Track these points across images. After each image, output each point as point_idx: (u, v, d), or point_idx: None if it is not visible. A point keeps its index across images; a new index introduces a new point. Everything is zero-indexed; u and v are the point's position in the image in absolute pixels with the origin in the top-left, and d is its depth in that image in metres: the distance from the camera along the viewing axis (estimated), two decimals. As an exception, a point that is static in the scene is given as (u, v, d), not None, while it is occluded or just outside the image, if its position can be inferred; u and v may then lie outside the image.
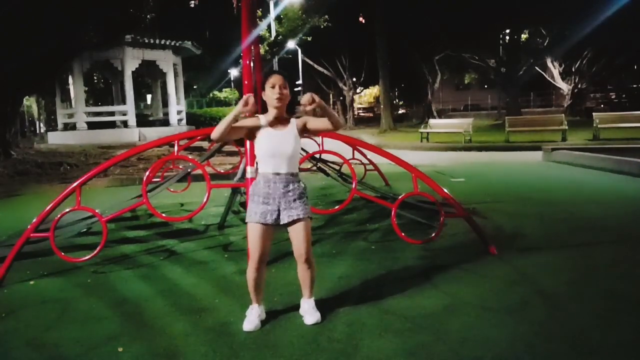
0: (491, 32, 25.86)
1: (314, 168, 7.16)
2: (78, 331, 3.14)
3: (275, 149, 2.94)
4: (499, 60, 27.00)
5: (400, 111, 41.63)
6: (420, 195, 4.72)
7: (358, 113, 43.41)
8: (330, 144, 5.81)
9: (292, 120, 3.03)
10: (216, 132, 2.85)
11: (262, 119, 3.01)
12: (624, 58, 26.16)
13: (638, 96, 30.40)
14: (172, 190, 7.23)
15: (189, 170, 5.93)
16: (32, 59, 13.25)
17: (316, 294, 3.32)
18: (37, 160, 13.72)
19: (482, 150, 15.10)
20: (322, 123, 2.97)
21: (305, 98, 2.82)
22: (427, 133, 18.04)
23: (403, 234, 4.40)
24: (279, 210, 2.99)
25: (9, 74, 13.15)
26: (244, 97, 2.86)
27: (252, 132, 3.00)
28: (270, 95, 2.94)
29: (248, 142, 4.14)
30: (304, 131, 3.04)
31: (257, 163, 3.11)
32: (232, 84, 43.85)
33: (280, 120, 3.00)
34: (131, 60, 19.76)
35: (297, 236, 3.02)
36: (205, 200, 4.48)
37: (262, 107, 3.06)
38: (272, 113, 3.00)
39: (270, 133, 2.96)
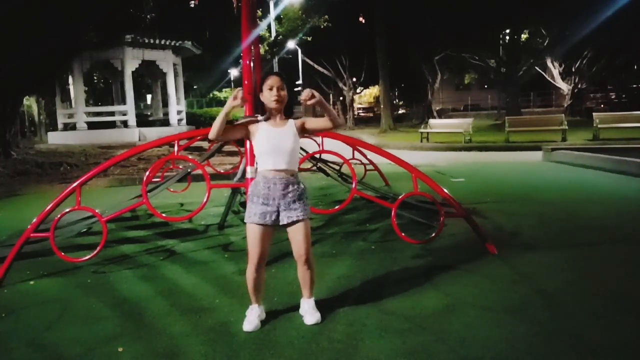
0: (491, 32, 25.86)
1: (314, 168, 7.16)
2: (78, 331, 3.14)
3: (274, 145, 2.94)
4: (499, 60, 27.00)
5: (400, 111, 41.61)
6: (420, 195, 4.72)
7: (358, 113, 43.38)
8: (330, 144, 5.81)
9: (291, 120, 3.04)
10: (212, 131, 2.88)
11: (261, 119, 3.03)
12: (624, 58, 26.15)
13: (638, 96, 30.41)
14: (172, 190, 7.23)
15: (189, 170, 5.93)
16: (32, 59, 13.24)
17: (316, 294, 3.32)
18: (37, 160, 13.72)
19: (482, 150, 15.10)
20: (321, 122, 2.99)
21: (305, 93, 2.83)
22: (427, 133, 18.04)
23: (403, 234, 4.40)
24: (278, 212, 2.99)
25: (9, 74, 13.15)
26: (233, 92, 2.86)
27: (251, 132, 3.01)
28: (268, 97, 2.94)
29: (248, 142, 4.14)
30: (303, 131, 3.04)
31: (257, 163, 3.12)
32: (232, 84, 43.86)
33: (279, 121, 3.01)
34: (131, 60, 19.75)
35: (297, 237, 3.02)
36: (205, 200, 4.49)
37: (261, 109, 3.06)
38: (271, 114, 3.01)
39: (269, 130, 2.97)
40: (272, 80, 2.93)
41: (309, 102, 2.85)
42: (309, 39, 27.03)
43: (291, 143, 2.96)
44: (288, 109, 3.05)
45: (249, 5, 4.64)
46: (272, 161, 2.95)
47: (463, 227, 4.88)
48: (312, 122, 3.03)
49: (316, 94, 2.83)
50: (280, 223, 3.00)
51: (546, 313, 3.16)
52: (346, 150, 6.29)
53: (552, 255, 4.35)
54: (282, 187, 2.97)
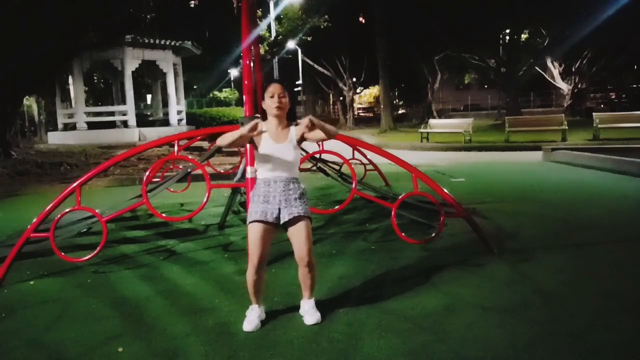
0: (491, 32, 25.86)
1: (314, 168, 7.16)
2: (78, 331, 3.14)
3: (275, 160, 2.99)
4: (499, 60, 27.00)
5: (400, 111, 41.62)
6: (420, 195, 4.72)
7: (358, 113, 43.38)
8: (330, 144, 5.79)
9: (292, 128, 3.05)
10: (222, 142, 2.92)
11: (263, 127, 3.03)
12: (624, 58, 26.17)
13: (638, 96, 30.43)
14: (172, 190, 7.23)
15: (189, 170, 5.93)
16: (32, 59, 13.24)
17: (316, 294, 3.32)
18: (37, 160, 13.71)
19: (482, 150, 15.10)
20: (319, 134, 3.01)
21: (303, 123, 2.88)
22: (427, 133, 18.04)
23: (403, 234, 4.39)
24: (279, 209, 3.00)
25: (9, 74, 13.15)
26: (253, 122, 2.85)
27: (253, 140, 3.03)
28: (270, 104, 2.98)
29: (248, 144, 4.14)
30: (303, 140, 3.08)
31: (256, 167, 3.14)
32: (232, 84, 43.84)
33: (280, 130, 3.03)
34: (131, 60, 19.73)
35: (298, 237, 3.02)
36: (205, 200, 4.48)
37: (262, 116, 3.08)
38: (272, 121, 3.03)
39: (270, 145, 3.00)
40: (273, 88, 2.97)
41: (308, 134, 2.95)
42: (309, 39, 27.03)
43: (292, 157, 3.02)
44: (291, 113, 3.07)
45: (249, 5, 4.64)
46: (273, 174, 3.01)
47: (463, 227, 4.88)
48: (311, 133, 3.04)
49: (315, 121, 2.86)
50: (282, 221, 3.01)
51: (546, 313, 3.16)
52: (346, 150, 6.29)
53: (552, 255, 4.35)
54: (282, 185, 3.00)
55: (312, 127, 2.86)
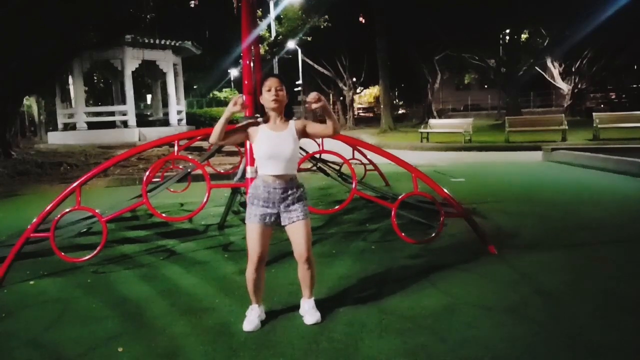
0: (491, 32, 25.87)
1: (314, 168, 7.16)
2: (78, 331, 3.15)
3: (274, 150, 2.95)
4: (499, 60, 27.01)
5: (400, 111, 41.63)
6: (420, 195, 4.72)
7: (358, 113, 43.40)
8: (330, 144, 5.81)
9: (291, 122, 3.05)
10: (213, 135, 2.91)
11: (261, 120, 3.04)
12: (624, 58, 26.18)
13: (638, 96, 30.44)
14: (172, 190, 7.23)
15: (189, 170, 5.93)
16: (32, 59, 13.24)
17: (316, 294, 3.32)
18: (37, 160, 13.71)
19: (482, 150, 15.10)
20: (322, 128, 3.01)
21: (311, 96, 2.86)
22: (427, 133, 18.04)
23: (403, 234, 4.39)
24: (278, 213, 3.02)
25: (9, 74, 13.15)
26: (234, 98, 2.88)
27: (251, 135, 3.02)
28: (267, 97, 2.97)
29: (248, 143, 4.15)
30: (303, 134, 3.06)
31: (256, 165, 3.13)
32: (232, 84, 43.85)
33: (278, 122, 3.02)
34: (131, 60, 19.75)
35: (297, 236, 3.03)
36: (205, 200, 4.49)
37: (261, 111, 3.08)
38: (270, 116, 3.03)
39: (269, 135, 2.98)
40: (270, 82, 2.97)
41: (314, 106, 2.86)
42: (309, 39, 27.04)
43: (291, 148, 2.98)
44: (288, 110, 3.06)
45: (249, 5, 4.65)
46: (272, 166, 2.98)
47: (463, 227, 4.88)
48: (312, 127, 3.04)
49: (322, 97, 2.86)
50: (282, 224, 3.03)
51: (546, 313, 3.16)
52: (346, 150, 6.29)
53: (552, 255, 4.35)
54: (281, 191, 2.99)
55: (318, 100, 2.84)
